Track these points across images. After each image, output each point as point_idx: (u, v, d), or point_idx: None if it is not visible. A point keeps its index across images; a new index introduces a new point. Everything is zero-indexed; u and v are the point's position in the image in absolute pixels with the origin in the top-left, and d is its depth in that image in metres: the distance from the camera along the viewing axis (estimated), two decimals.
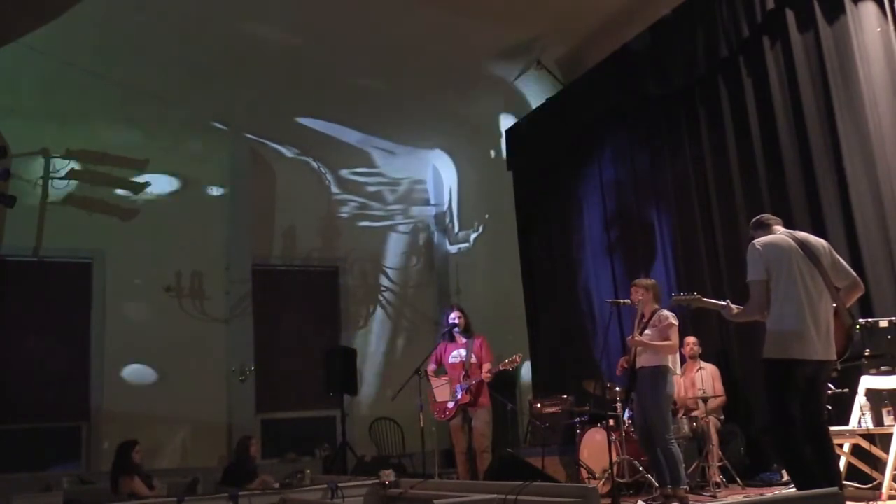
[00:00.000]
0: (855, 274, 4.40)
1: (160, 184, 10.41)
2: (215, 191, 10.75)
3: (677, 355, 5.79)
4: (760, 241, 4.35)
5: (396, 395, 7.22)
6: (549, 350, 9.18)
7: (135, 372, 9.83)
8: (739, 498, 5.31)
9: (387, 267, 11.66)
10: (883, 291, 5.52)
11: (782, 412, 4.09)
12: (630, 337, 5.75)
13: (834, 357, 4.22)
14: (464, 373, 6.96)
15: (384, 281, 11.59)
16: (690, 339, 6.79)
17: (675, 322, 5.67)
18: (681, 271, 7.45)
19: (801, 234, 4.43)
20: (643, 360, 5.64)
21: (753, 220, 4.64)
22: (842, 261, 4.39)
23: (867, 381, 5.14)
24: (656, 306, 5.80)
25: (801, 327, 4.10)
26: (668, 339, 5.60)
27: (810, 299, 4.15)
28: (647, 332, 5.69)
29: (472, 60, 8.95)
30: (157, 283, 10.14)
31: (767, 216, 4.63)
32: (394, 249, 11.73)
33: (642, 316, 5.81)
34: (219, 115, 10.08)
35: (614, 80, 8.05)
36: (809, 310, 4.13)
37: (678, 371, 5.78)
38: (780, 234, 4.40)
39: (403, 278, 11.63)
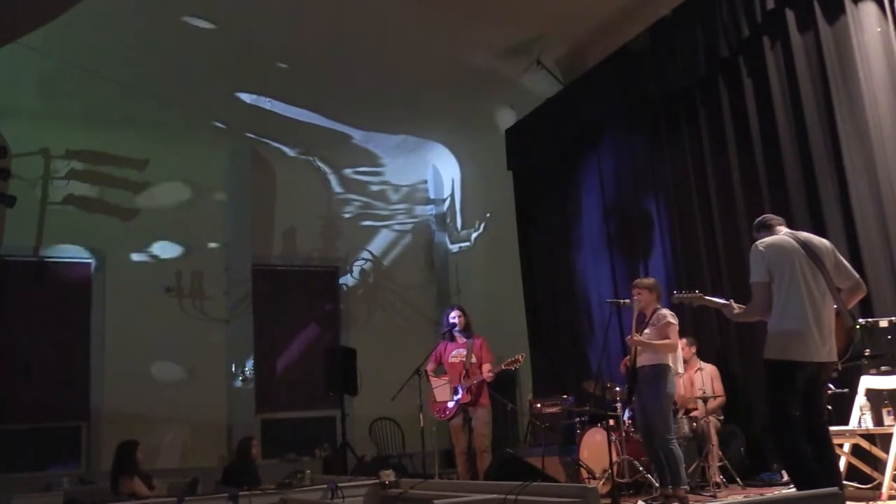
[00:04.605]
0: (858, 275, 4.40)
1: (160, 184, 10.41)
2: (215, 190, 10.75)
3: (679, 354, 5.77)
4: (763, 242, 4.34)
5: (396, 395, 7.22)
6: (549, 350, 9.18)
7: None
8: (739, 498, 5.31)
9: (387, 267, 11.67)
10: (883, 291, 5.52)
11: (782, 412, 4.09)
12: (629, 337, 5.74)
13: (835, 358, 4.22)
14: (464, 372, 6.96)
15: (384, 281, 11.60)
16: (681, 342, 6.74)
17: (674, 321, 5.66)
18: (681, 271, 7.45)
19: (804, 235, 4.43)
20: (643, 360, 5.64)
21: (756, 220, 4.64)
22: (845, 262, 4.38)
23: (867, 381, 5.14)
24: (657, 305, 5.79)
25: (804, 329, 4.10)
26: (666, 337, 5.59)
27: (813, 301, 4.15)
28: (646, 331, 5.69)
29: (472, 60, 8.95)
30: (157, 283, 10.15)
31: (770, 217, 4.62)
32: (394, 249, 11.73)
33: (643, 315, 5.80)
34: (219, 114, 10.08)
35: (614, 80, 8.05)
36: (812, 311, 4.13)
37: (680, 370, 5.77)
38: (782, 234, 4.40)
39: (403, 278, 11.63)
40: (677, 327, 5.69)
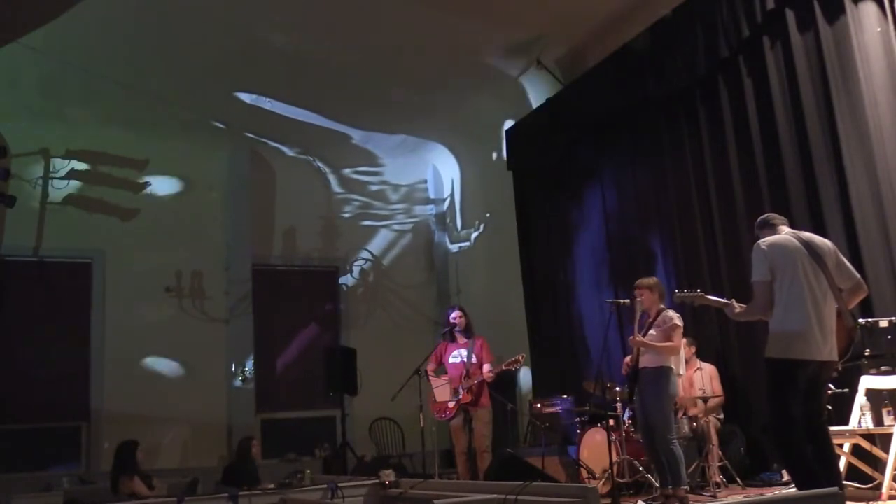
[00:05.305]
0: (859, 276, 4.40)
1: (160, 184, 10.42)
2: (215, 191, 10.75)
3: (681, 356, 5.75)
4: (766, 241, 4.35)
5: (396, 395, 7.22)
6: (549, 350, 9.18)
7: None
8: (739, 498, 5.31)
9: (387, 267, 11.67)
10: (883, 291, 5.51)
11: (783, 412, 4.09)
12: (631, 337, 5.71)
13: (835, 358, 4.22)
14: (464, 373, 6.96)
15: (384, 281, 11.60)
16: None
17: (680, 324, 5.61)
18: (681, 270, 7.45)
19: (806, 235, 4.43)
20: (645, 361, 5.60)
21: (759, 219, 4.63)
22: (846, 262, 4.38)
23: (867, 381, 5.14)
24: (662, 306, 5.75)
25: (806, 328, 4.11)
26: (670, 340, 5.54)
27: (815, 300, 4.15)
28: (651, 332, 5.64)
29: (472, 60, 8.95)
30: (157, 283, 10.15)
31: (773, 216, 4.62)
32: (394, 249, 11.74)
33: (647, 315, 5.78)
34: (219, 114, 10.08)
35: (614, 80, 8.05)
36: (814, 311, 4.13)
37: (682, 371, 5.75)
38: (785, 234, 4.40)
39: (403, 278, 11.63)
40: (682, 330, 5.67)
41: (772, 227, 4.48)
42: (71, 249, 9.97)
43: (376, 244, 11.66)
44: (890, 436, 4.85)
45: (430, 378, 7.17)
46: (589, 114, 8.46)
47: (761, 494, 5.43)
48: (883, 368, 5.09)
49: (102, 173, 10.10)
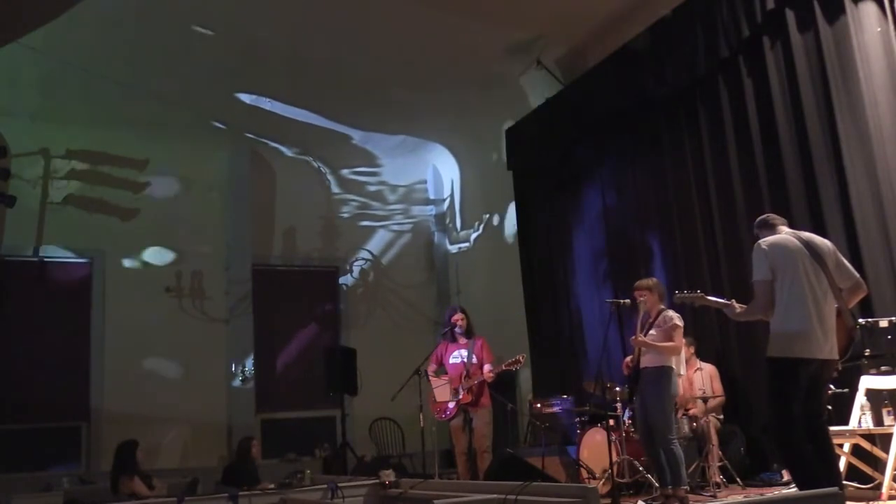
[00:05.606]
0: (858, 275, 4.41)
1: (160, 184, 10.42)
2: (215, 191, 10.75)
3: (682, 356, 5.75)
4: (766, 241, 4.35)
5: (396, 395, 7.22)
6: (549, 350, 9.18)
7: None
8: (739, 498, 5.31)
9: (386, 267, 11.67)
10: (883, 291, 5.52)
11: (784, 411, 4.09)
12: (633, 337, 5.70)
13: (836, 356, 4.23)
14: (465, 373, 6.96)
15: (384, 281, 11.60)
16: None
17: (681, 324, 5.61)
18: (680, 271, 7.45)
19: (806, 235, 4.44)
20: (646, 361, 5.61)
21: (759, 219, 4.64)
22: (846, 262, 4.40)
23: (867, 381, 5.15)
24: (662, 306, 5.76)
25: (807, 327, 4.11)
26: (671, 340, 5.55)
27: (816, 299, 4.16)
28: (651, 332, 5.64)
29: (472, 60, 8.95)
30: (157, 282, 10.15)
31: (773, 216, 4.63)
32: (394, 249, 11.74)
33: (648, 316, 5.78)
34: (219, 114, 10.08)
35: (614, 80, 8.05)
36: (815, 310, 4.14)
37: (682, 371, 5.76)
38: (785, 234, 4.41)
39: (403, 278, 11.63)
40: (682, 330, 5.67)
41: (772, 228, 4.49)
42: (71, 249, 9.97)
43: (376, 244, 11.67)
44: (890, 436, 4.86)
45: (431, 378, 7.17)
46: (589, 114, 8.46)
47: (761, 494, 5.43)
48: (883, 368, 5.09)
49: (102, 173, 10.10)
